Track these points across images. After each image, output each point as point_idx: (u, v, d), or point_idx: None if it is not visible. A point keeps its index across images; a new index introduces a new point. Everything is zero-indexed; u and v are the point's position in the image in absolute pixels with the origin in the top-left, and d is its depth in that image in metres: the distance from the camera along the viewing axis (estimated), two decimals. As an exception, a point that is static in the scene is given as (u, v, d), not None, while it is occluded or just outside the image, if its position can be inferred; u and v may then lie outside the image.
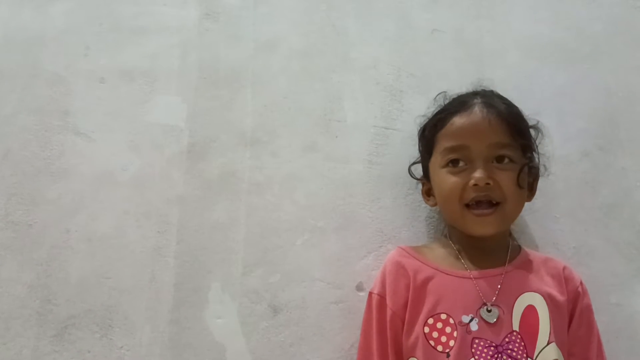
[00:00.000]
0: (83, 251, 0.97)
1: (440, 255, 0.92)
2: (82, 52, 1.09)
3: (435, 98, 0.98)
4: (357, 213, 1.01)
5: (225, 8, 1.13)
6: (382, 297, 0.88)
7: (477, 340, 0.81)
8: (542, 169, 0.96)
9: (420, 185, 0.99)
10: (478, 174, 0.85)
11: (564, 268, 0.92)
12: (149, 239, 0.98)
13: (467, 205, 0.87)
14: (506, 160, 0.88)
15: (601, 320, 0.92)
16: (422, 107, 1.00)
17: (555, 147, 1.02)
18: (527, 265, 0.90)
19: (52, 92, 1.06)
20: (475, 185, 0.85)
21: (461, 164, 0.88)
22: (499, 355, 0.80)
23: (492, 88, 0.96)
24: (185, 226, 0.99)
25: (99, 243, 0.97)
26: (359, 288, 0.97)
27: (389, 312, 0.87)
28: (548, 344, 0.82)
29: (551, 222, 1.02)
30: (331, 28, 1.13)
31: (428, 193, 0.96)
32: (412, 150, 1.00)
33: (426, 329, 0.83)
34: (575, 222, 1.03)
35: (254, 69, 1.09)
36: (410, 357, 0.84)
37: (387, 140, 1.06)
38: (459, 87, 0.98)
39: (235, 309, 0.95)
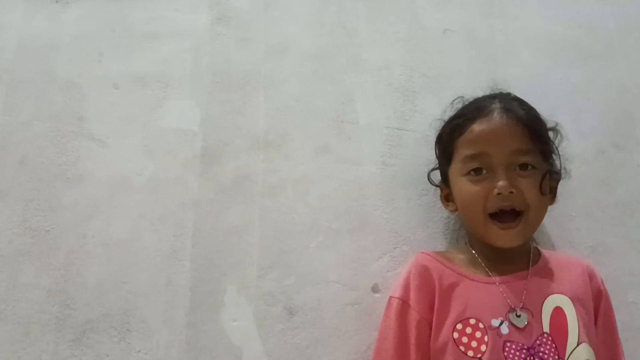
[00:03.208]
0: (100, 256, 0.97)
1: (462, 261, 0.91)
2: (96, 59, 1.10)
3: (452, 103, 0.97)
4: (372, 214, 1.01)
5: (237, 12, 1.14)
6: (404, 301, 0.87)
7: (508, 344, 0.80)
8: (563, 172, 0.94)
9: (437, 190, 0.98)
10: (501, 182, 0.84)
11: (587, 266, 0.91)
12: (165, 243, 0.98)
13: (490, 215, 0.86)
14: (529, 167, 0.87)
15: (619, 319, 0.91)
16: (435, 108, 1.00)
17: (570, 145, 1.01)
18: (550, 267, 0.89)
19: (66, 98, 1.07)
20: (499, 194, 0.84)
21: (483, 172, 0.87)
22: (531, 357, 0.79)
23: (506, 87, 0.95)
24: (200, 230, 0.99)
25: (115, 247, 0.98)
26: (375, 289, 0.97)
27: (415, 317, 0.85)
28: (578, 344, 0.81)
29: (567, 221, 1.02)
30: (342, 30, 1.13)
31: (447, 198, 0.95)
32: (426, 151, 1.00)
33: (455, 335, 0.82)
34: (591, 221, 1.02)
35: (265, 72, 1.10)
36: None
37: (400, 141, 1.06)
38: (472, 86, 0.97)
39: (251, 311, 0.95)
